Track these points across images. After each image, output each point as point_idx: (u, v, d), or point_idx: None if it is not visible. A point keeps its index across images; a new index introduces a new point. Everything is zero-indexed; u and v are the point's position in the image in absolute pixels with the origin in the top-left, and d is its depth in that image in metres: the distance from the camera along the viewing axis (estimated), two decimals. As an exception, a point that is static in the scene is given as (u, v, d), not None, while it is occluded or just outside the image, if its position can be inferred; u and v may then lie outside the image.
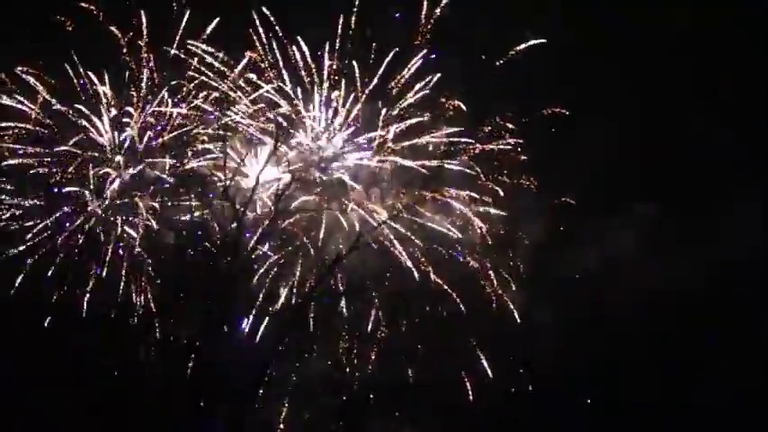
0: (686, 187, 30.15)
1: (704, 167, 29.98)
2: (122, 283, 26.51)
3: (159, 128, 27.04)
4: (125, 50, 25.71)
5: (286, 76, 26.83)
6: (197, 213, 27.42)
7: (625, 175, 30.27)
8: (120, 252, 26.90)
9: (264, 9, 26.19)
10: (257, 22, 26.28)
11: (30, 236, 25.99)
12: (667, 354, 28.61)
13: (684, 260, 28.53)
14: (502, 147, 26.97)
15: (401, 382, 28.36)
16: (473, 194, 27.35)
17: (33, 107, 25.66)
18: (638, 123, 30.20)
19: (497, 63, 26.22)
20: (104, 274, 26.02)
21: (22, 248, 26.22)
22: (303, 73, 26.58)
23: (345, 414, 29.13)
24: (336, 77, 26.74)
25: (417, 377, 28.51)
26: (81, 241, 26.48)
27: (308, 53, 26.64)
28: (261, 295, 27.27)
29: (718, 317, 28.59)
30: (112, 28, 25.45)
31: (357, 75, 26.58)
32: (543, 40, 25.77)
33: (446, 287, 27.77)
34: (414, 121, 26.64)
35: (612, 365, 28.79)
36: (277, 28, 26.33)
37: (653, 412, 28.53)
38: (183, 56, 26.03)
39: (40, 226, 26.08)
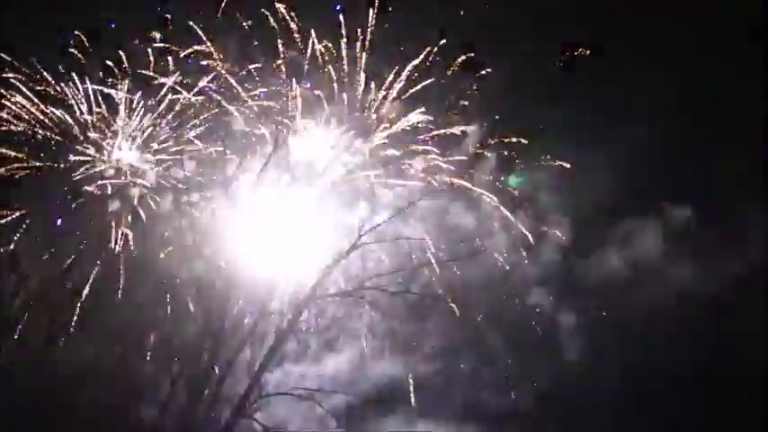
0: (715, 190, 29.61)
1: (733, 170, 29.45)
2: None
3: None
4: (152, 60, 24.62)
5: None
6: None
7: (654, 179, 29.67)
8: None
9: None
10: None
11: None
12: (694, 357, 28.40)
13: (712, 263, 28.23)
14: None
15: (418, 382, 28.04)
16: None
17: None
18: (667, 126, 29.49)
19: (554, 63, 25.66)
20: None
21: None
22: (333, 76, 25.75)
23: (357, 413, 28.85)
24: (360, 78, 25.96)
25: (436, 376, 28.37)
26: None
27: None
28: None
29: (746, 321, 28.35)
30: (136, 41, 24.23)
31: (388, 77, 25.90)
32: (586, 52, 24.98)
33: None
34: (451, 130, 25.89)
35: (638, 367, 28.65)
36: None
37: (679, 416, 28.51)
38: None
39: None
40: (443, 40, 25.25)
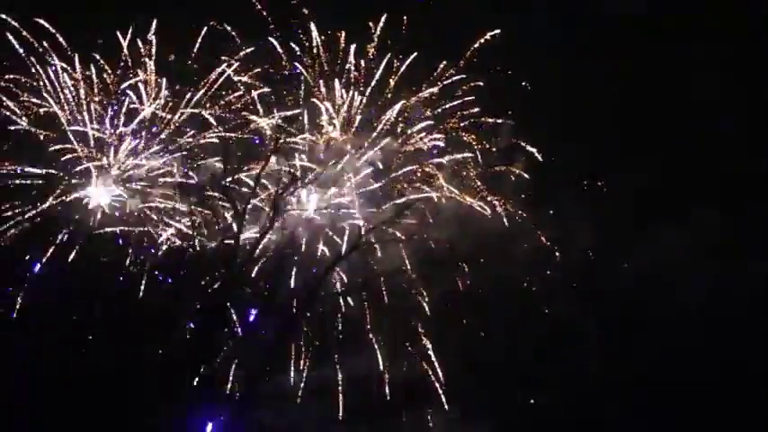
0: (744, 194, 29.21)
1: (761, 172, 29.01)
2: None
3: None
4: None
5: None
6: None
7: (682, 181, 29.22)
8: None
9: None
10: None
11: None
12: (724, 361, 28.20)
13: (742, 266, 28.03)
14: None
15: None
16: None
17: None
18: (694, 130, 29.03)
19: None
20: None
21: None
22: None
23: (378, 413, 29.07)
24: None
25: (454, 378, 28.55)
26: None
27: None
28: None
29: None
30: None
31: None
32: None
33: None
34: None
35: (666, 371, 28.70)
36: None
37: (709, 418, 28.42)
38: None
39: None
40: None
